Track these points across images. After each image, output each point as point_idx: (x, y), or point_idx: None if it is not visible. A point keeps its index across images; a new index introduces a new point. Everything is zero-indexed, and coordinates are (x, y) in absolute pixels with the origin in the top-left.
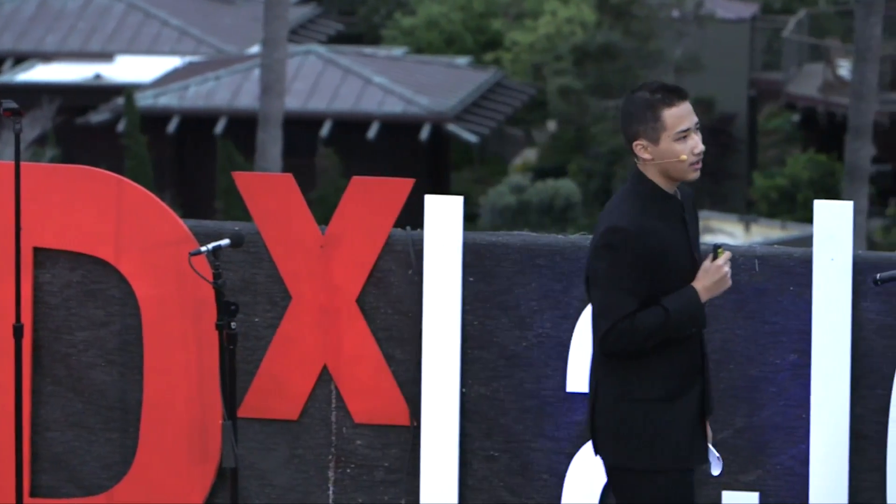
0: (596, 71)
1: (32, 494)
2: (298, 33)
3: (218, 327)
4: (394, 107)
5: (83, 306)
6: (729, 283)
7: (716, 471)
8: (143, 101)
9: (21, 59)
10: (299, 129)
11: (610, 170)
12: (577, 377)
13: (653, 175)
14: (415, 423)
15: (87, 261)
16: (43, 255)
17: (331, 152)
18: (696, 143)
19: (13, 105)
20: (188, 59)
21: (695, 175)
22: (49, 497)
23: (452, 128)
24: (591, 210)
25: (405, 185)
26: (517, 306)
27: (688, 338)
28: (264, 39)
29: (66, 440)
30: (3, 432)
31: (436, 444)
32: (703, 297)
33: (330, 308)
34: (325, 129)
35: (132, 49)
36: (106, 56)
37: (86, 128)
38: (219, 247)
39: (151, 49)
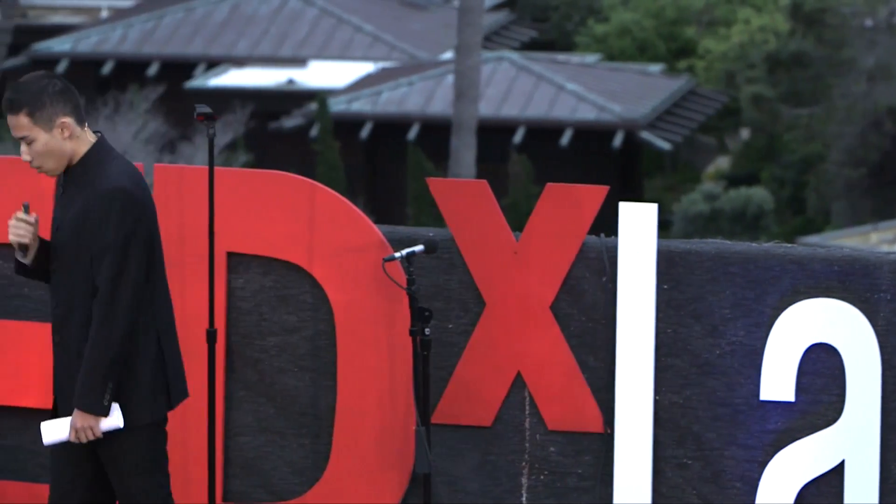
0: (788, 79)
1: (225, 499)
2: (491, 39)
3: (412, 333)
4: (586, 114)
5: (275, 311)
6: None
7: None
8: (336, 106)
9: (213, 64)
10: (491, 135)
11: (801, 178)
12: (771, 385)
13: None
14: (608, 431)
15: (280, 266)
16: (236, 260)
17: (523, 158)
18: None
19: (207, 109)
20: (381, 64)
21: None
22: (241, 501)
23: (645, 135)
24: (783, 218)
25: (600, 192)
26: (710, 314)
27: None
28: (458, 45)
29: (258, 445)
30: (197, 437)
31: (629, 451)
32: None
33: (523, 314)
34: (517, 136)
35: (324, 54)
36: (299, 61)
37: (277, 133)
38: (413, 253)
39: (343, 54)
